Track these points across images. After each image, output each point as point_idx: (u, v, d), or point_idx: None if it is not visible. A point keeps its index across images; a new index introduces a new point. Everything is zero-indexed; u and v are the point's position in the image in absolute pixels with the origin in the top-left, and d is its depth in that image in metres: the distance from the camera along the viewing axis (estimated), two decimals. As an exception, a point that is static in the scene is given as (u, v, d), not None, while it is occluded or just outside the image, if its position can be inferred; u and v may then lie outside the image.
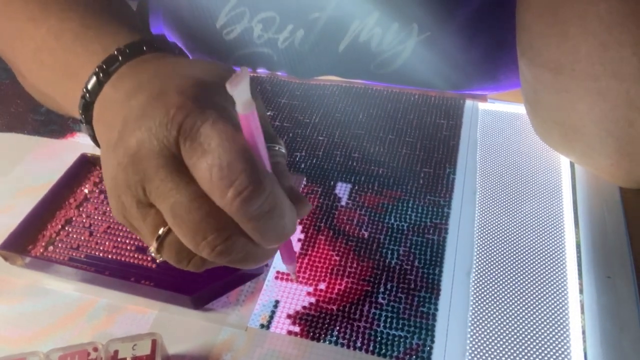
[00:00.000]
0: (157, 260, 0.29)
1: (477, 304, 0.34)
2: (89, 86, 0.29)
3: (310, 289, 0.36)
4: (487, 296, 0.35)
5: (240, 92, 0.22)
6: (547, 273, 0.36)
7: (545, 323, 0.33)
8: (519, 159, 0.44)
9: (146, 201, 0.25)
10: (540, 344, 0.32)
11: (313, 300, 0.35)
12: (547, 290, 0.35)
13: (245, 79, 0.21)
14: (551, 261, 0.36)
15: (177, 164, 0.24)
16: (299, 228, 0.39)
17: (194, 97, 0.24)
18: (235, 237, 0.25)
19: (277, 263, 0.37)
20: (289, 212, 0.25)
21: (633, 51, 0.30)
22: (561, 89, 0.35)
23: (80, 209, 0.41)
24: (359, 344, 0.32)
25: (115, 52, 0.29)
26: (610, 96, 0.32)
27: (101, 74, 0.28)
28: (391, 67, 0.49)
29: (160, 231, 0.26)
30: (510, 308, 0.34)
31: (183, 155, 0.24)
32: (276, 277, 0.36)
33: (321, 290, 0.35)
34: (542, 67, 0.36)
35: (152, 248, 0.26)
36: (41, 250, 0.38)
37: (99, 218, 0.40)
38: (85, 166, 0.44)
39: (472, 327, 0.33)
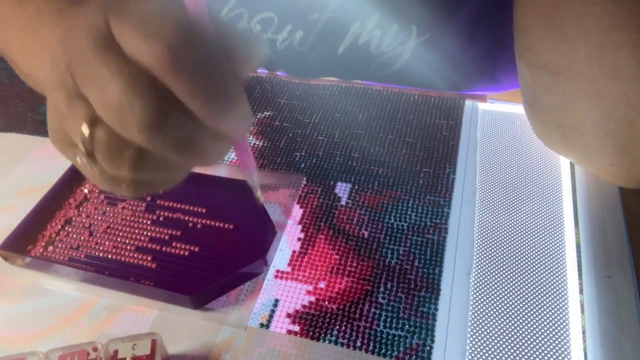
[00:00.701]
0: (84, 167, 0.25)
1: (477, 304, 0.34)
2: None
3: (310, 288, 0.36)
4: (487, 296, 0.35)
5: None
6: (547, 273, 0.36)
7: (545, 323, 0.33)
8: (519, 159, 0.44)
9: (77, 91, 0.23)
10: (540, 344, 0.32)
11: (313, 299, 0.35)
12: (547, 290, 0.35)
13: None
14: (551, 261, 0.36)
15: (108, 42, 0.22)
16: (299, 227, 0.39)
17: None
18: (168, 109, 0.22)
19: (277, 262, 0.37)
20: (234, 78, 0.23)
21: (631, 53, 0.30)
22: (560, 90, 0.35)
23: (80, 209, 0.41)
24: (358, 344, 0.32)
25: None
26: (608, 97, 0.32)
27: None
28: (391, 69, 0.49)
29: (85, 127, 0.23)
30: (510, 308, 0.34)
31: (113, 30, 0.22)
32: (276, 276, 0.36)
33: (321, 290, 0.35)
34: (540, 68, 0.36)
35: (82, 148, 0.24)
36: (41, 250, 0.38)
37: (99, 218, 0.40)
38: (85, 166, 0.44)
39: (472, 327, 0.33)
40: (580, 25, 0.32)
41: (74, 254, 0.38)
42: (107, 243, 0.38)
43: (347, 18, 0.47)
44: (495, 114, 0.49)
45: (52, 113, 0.25)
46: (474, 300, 0.34)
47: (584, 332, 0.32)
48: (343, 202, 0.41)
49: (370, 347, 0.32)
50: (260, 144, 0.47)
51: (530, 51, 0.36)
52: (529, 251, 0.37)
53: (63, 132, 0.25)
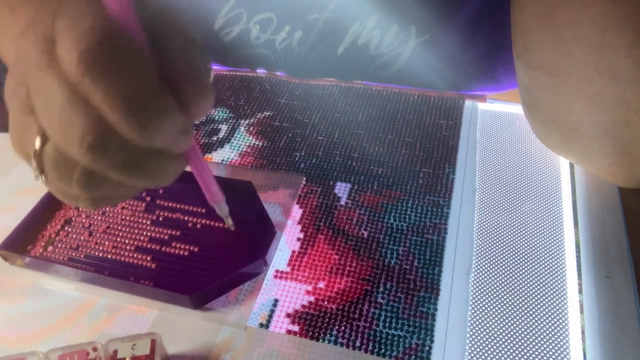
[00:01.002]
0: (40, 181, 0.25)
1: (476, 304, 0.34)
2: None
3: (310, 288, 0.36)
4: (487, 296, 0.35)
5: None
6: (546, 273, 0.36)
7: (544, 323, 0.33)
8: (519, 159, 0.44)
9: (29, 104, 0.23)
10: (539, 344, 0.32)
11: (312, 299, 0.35)
12: (546, 291, 0.35)
13: None
14: (550, 261, 0.36)
15: (52, 52, 0.22)
16: (299, 227, 0.39)
17: None
18: (108, 127, 0.21)
19: (277, 262, 0.37)
20: (158, 92, 0.22)
21: (627, 53, 0.30)
22: (557, 91, 0.35)
23: (80, 209, 0.41)
24: (358, 344, 0.32)
25: None
26: (606, 98, 0.32)
27: None
28: (391, 70, 0.49)
29: (37, 141, 0.23)
30: (510, 308, 0.34)
31: (56, 37, 0.22)
32: (275, 276, 0.36)
33: (320, 290, 0.35)
34: (537, 69, 0.36)
35: (34, 164, 0.24)
36: (41, 251, 0.38)
37: (99, 218, 0.40)
38: (85, 166, 0.44)
39: (471, 327, 0.33)
40: (576, 27, 0.32)
41: (73, 254, 0.38)
42: (106, 243, 0.39)
43: (347, 18, 0.47)
44: (495, 114, 0.49)
45: (12, 122, 0.25)
46: (474, 300, 0.34)
47: (583, 332, 0.32)
48: (343, 202, 0.41)
49: (370, 347, 0.32)
50: (260, 144, 0.47)
51: (528, 52, 0.36)
52: (528, 251, 0.37)
53: (22, 142, 0.25)
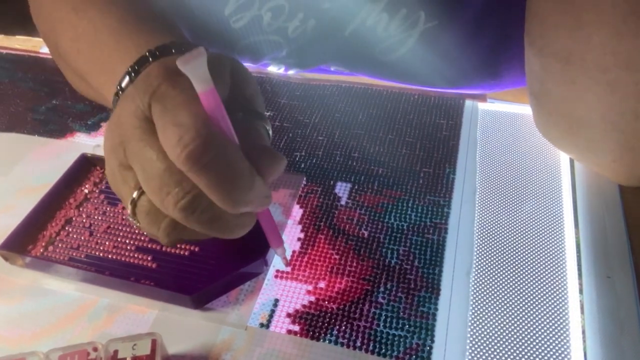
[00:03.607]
0: (134, 226, 0.31)
1: (477, 304, 0.34)
2: (123, 84, 0.30)
3: (310, 288, 0.36)
4: (487, 296, 0.35)
5: (193, 69, 0.23)
6: (547, 273, 0.36)
7: (545, 323, 0.33)
8: (519, 159, 0.44)
9: (126, 163, 0.28)
10: (540, 344, 0.32)
11: (313, 299, 0.35)
12: (546, 290, 0.35)
13: (198, 57, 0.23)
14: (551, 261, 0.36)
15: (151, 127, 0.26)
16: (299, 227, 0.39)
17: (174, 69, 0.26)
18: (199, 193, 0.26)
19: (277, 262, 0.37)
20: (247, 173, 0.26)
21: None
22: (569, 80, 0.35)
23: (80, 209, 0.41)
24: (358, 344, 0.32)
25: (147, 54, 0.30)
26: (619, 88, 0.32)
27: (133, 74, 0.30)
28: (395, 54, 0.49)
29: (135, 194, 0.28)
30: (510, 308, 0.34)
31: (153, 118, 0.26)
32: (276, 276, 0.36)
33: (321, 289, 0.35)
34: (551, 56, 0.35)
35: (129, 210, 0.28)
36: (41, 250, 0.38)
37: (99, 218, 0.40)
38: (85, 166, 0.44)
39: (471, 327, 0.33)
40: (597, 11, 0.31)
41: (74, 254, 0.38)
42: (107, 243, 0.39)
43: (357, 5, 0.47)
44: (495, 114, 0.49)
45: (110, 172, 0.30)
46: (474, 300, 0.34)
47: (583, 332, 0.32)
48: (343, 202, 0.41)
49: (370, 347, 0.32)
50: (260, 143, 0.47)
51: (543, 38, 0.36)
52: (528, 251, 0.37)
53: (119, 190, 0.30)
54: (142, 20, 0.35)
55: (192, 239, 0.31)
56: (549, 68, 0.36)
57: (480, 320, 0.33)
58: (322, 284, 0.36)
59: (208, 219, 0.27)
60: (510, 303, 0.34)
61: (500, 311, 0.34)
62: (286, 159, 0.29)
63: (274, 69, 0.55)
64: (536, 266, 0.36)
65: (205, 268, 0.36)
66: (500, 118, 0.48)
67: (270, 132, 0.31)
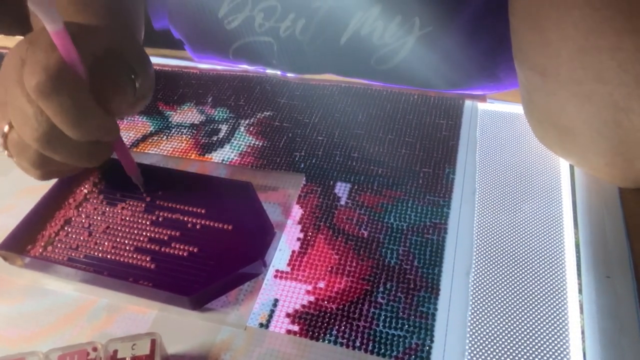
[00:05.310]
0: (7, 155, 0.35)
1: (476, 304, 0.34)
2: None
3: (310, 288, 0.36)
4: (487, 296, 0.35)
5: (41, 6, 0.28)
6: (546, 273, 0.36)
7: (544, 323, 0.33)
8: (518, 159, 0.44)
9: (4, 100, 0.33)
10: (539, 344, 0.32)
11: (312, 299, 0.35)
12: (546, 290, 0.35)
13: None
14: (550, 261, 0.36)
15: (21, 72, 0.31)
16: (299, 227, 0.39)
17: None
18: (53, 125, 0.31)
19: (277, 262, 0.37)
20: (89, 105, 0.32)
21: (610, 56, 0.30)
22: (550, 91, 0.35)
23: (80, 209, 0.41)
24: (358, 344, 0.32)
25: None
26: (595, 99, 0.32)
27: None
28: (392, 62, 0.49)
29: (6, 128, 0.33)
30: (510, 308, 0.34)
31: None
32: (275, 276, 0.36)
33: (320, 289, 0.35)
34: (530, 70, 0.36)
35: (1, 141, 0.34)
36: (40, 251, 0.38)
37: (98, 218, 0.40)
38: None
39: (471, 327, 0.33)
40: (560, 29, 0.32)
41: (73, 254, 0.38)
42: (106, 243, 0.39)
43: (350, 7, 0.47)
44: (494, 114, 0.49)
45: None
46: (474, 300, 0.34)
47: (583, 332, 0.32)
48: (343, 202, 0.41)
49: (370, 347, 0.32)
50: (260, 144, 0.47)
51: (522, 53, 0.36)
52: (528, 251, 0.37)
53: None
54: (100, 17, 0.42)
55: (62, 171, 0.37)
56: (531, 80, 0.37)
57: (480, 320, 0.33)
58: (321, 284, 0.36)
59: (63, 148, 0.32)
60: (510, 303, 0.34)
61: (499, 311, 0.34)
62: (130, 97, 0.35)
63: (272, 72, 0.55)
64: (535, 266, 0.36)
65: (204, 269, 0.36)
66: (499, 118, 0.48)
67: (140, 81, 0.36)
